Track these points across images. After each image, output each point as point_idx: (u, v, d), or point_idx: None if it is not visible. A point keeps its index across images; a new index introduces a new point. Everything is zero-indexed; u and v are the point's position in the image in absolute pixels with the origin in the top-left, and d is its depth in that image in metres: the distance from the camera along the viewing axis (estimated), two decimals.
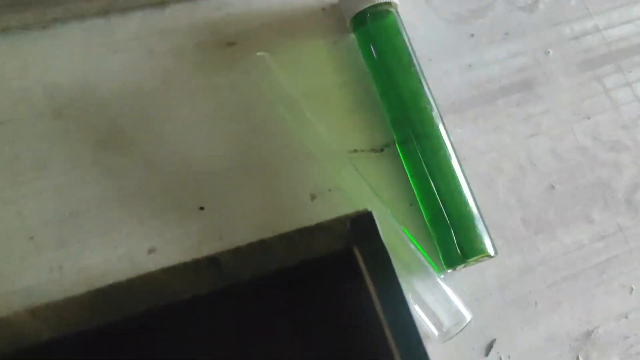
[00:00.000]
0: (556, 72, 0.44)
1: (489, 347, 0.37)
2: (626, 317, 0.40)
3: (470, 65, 0.43)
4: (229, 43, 0.40)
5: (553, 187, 0.41)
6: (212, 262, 0.25)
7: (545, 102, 0.43)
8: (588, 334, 0.39)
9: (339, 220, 0.27)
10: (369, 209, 0.30)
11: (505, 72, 0.44)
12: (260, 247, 0.26)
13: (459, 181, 0.37)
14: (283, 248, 0.26)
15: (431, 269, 0.36)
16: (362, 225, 0.27)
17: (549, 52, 0.45)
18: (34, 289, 0.33)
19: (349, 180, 0.37)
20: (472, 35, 0.44)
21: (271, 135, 0.39)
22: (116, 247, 0.35)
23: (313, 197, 0.38)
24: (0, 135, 0.35)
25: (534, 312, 0.39)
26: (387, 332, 0.25)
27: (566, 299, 0.39)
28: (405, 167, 0.39)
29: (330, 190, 0.38)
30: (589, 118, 0.44)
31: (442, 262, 0.37)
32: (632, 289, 0.40)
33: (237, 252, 0.25)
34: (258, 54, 0.38)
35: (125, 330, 0.24)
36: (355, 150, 0.40)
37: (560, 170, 0.42)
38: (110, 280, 0.33)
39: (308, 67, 0.41)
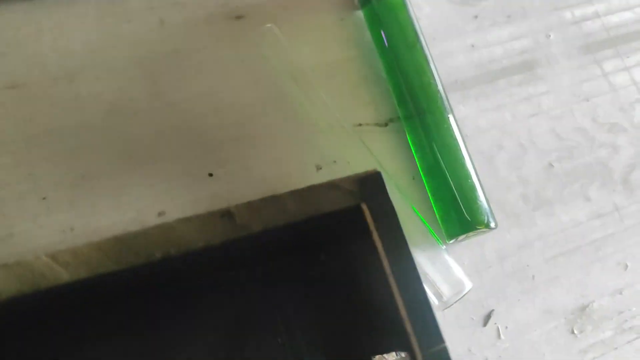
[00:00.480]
0: (557, 55, 0.45)
1: (487, 318, 0.38)
2: (620, 293, 0.41)
3: (473, 46, 0.44)
4: (238, 16, 0.41)
5: (552, 165, 0.42)
6: (225, 214, 0.26)
7: (546, 84, 0.44)
8: (583, 308, 0.40)
9: (349, 179, 0.27)
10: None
11: (507, 54, 0.45)
12: (272, 201, 0.27)
13: (461, 155, 0.38)
14: (294, 203, 0.27)
15: (433, 239, 0.37)
16: (370, 184, 0.28)
17: (550, 36, 0.46)
18: (46, 248, 0.34)
19: (354, 152, 0.38)
20: (476, 16, 0.45)
21: (278, 107, 0.39)
22: (126, 210, 0.35)
23: (318, 168, 0.39)
24: (15, 98, 0.36)
25: (532, 285, 0.40)
26: (393, 286, 0.26)
27: (563, 273, 0.40)
28: (410, 141, 0.40)
29: (335, 161, 0.39)
30: (588, 100, 0.45)
31: (444, 232, 0.38)
32: (626, 266, 0.41)
33: (249, 205, 0.26)
34: (267, 25, 0.39)
35: (142, 275, 0.25)
36: (360, 124, 0.41)
37: (559, 149, 0.43)
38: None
39: (315, 41, 0.42)
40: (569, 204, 0.42)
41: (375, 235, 0.27)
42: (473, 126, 0.42)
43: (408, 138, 0.40)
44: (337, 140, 0.38)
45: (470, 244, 0.39)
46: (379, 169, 0.38)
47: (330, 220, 0.27)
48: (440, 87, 0.39)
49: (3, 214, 0.34)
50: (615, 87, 0.46)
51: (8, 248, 0.33)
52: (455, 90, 0.43)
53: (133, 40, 0.39)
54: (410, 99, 0.39)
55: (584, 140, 0.44)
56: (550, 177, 0.42)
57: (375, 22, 0.41)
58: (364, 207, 0.27)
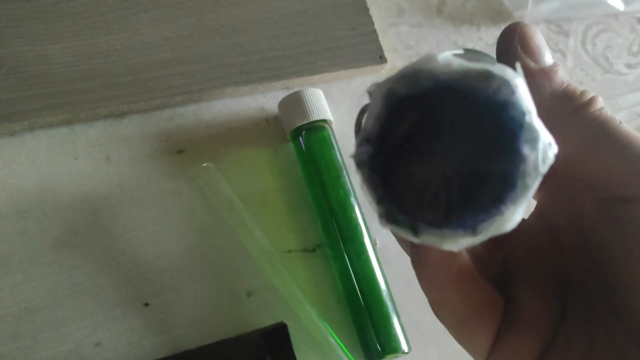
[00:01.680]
0: None
1: None
2: None
3: None
4: (179, 151, 0.45)
5: None
6: None
7: None
8: None
9: (255, 333, 0.31)
10: (289, 311, 0.34)
11: None
12: (184, 358, 0.30)
13: (379, 284, 0.42)
14: (205, 357, 0.30)
15: None
16: (275, 337, 0.31)
17: None
18: None
19: (280, 280, 0.42)
20: None
21: (213, 237, 0.43)
22: (65, 342, 0.38)
23: (249, 295, 0.42)
24: None
25: None
26: None
27: None
28: (334, 268, 0.44)
29: (264, 288, 0.43)
30: None
31: (363, 357, 0.41)
32: None
33: None
34: (204, 165, 0.43)
35: None
36: (290, 250, 0.44)
37: None
38: None
39: (250, 173, 0.46)
40: None
41: None
42: (395, 251, 0.46)
43: (332, 264, 0.44)
44: (266, 268, 0.42)
45: (409, 358, 0.42)
46: (302, 296, 0.41)
47: None
48: (361, 218, 0.43)
49: None
50: None
51: None
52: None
53: (80, 176, 0.43)
54: (333, 229, 0.43)
55: None
56: None
57: (303, 156, 0.45)
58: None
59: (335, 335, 0.41)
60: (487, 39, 0.57)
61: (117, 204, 0.43)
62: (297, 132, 0.45)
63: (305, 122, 0.44)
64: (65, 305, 0.39)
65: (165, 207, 0.43)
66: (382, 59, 0.51)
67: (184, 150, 0.45)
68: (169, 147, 0.45)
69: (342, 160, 0.45)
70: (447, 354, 0.44)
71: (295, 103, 0.45)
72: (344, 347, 0.41)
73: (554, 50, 0.58)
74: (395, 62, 0.53)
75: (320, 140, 0.45)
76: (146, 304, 0.40)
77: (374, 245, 0.45)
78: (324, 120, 0.45)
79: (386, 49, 0.52)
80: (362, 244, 0.43)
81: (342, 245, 0.43)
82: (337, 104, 0.50)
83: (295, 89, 0.47)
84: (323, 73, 0.49)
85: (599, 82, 0.58)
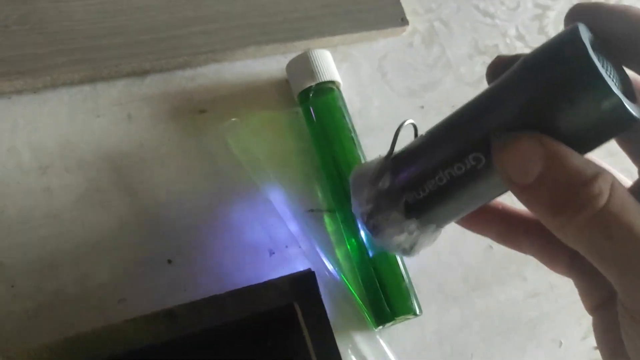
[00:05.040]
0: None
1: None
2: None
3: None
4: (201, 111, 0.45)
5: (491, 247, 0.46)
6: (168, 314, 0.29)
7: None
8: None
9: (284, 279, 0.31)
10: (313, 268, 0.34)
11: None
12: (213, 302, 0.30)
13: None
14: (233, 303, 0.30)
15: (368, 323, 0.40)
16: (303, 284, 0.31)
17: None
18: (12, 333, 0.36)
19: (303, 238, 0.42)
20: (422, 107, 0.49)
21: (235, 195, 0.43)
22: (89, 297, 0.38)
23: (271, 253, 0.42)
24: None
25: None
26: None
27: (499, 352, 0.43)
28: (343, 231, 0.43)
29: (287, 246, 0.42)
30: None
31: (373, 320, 0.41)
32: (561, 343, 0.44)
33: (192, 306, 0.29)
34: (232, 119, 0.43)
35: None
36: (312, 210, 0.44)
37: None
38: (83, 328, 0.37)
39: (271, 133, 0.45)
40: (507, 284, 0.45)
41: (306, 332, 0.30)
42: None
43: (342, 227, 0.43)
44: (290, 225, 0.42)
45: (411, 324, 0.42)
46: (323, 255, 0.41)
47: (266, 319, 0.30)
48: None
49: None
50: None
51: None
52: None
53: (102, 134, 0.42)
54: (342, 191, 0.42)
55: None
56: (489, 259, 0.45)
57: (310, 118, 0.44)
58: (297, 307, 0.30)
59: (357, 296, 0.41)
60: (508, 3, 0.56)
61: (139, 162, 0.42)
62: (304, 95, 0.44)
63: (312, 83, 0.44)
64: (89, 261, 0.39)
65: (187, 166, 0.43)
66: (403, 21, 0.50)
67: (206, 110, 0.45)
68: (190, 106, 0.45)
69: (351, 122, 0.44)
70: (470, 314, 0.43)
71: (302, 65, 0.44)
72: (364, 308, 0.40)
73: None
74: (416, 25, 0.52)
75: (329, 102, 0.44)
76: (169, 261, 0.40)
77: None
78: (332, 82, 0.45)
79: (407, 12, 0.51)
80: None
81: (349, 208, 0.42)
82: (357, 66, 0.50)
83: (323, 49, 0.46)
84: (344, 34, 0.48)
85: None
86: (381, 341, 0.39)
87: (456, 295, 0.44)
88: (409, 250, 0.28)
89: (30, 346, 0.27)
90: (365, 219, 0.28)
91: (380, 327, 0.40)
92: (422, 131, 0.28)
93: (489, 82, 0.26)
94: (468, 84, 0.51)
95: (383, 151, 0.45)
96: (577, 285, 0.28)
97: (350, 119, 0.44)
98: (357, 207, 0.28)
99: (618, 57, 0.23)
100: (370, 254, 0.41)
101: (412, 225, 0.27)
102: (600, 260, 0.21)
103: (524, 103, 0.22)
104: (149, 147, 0.43)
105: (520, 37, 0.55)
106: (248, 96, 0.46)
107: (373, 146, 0.46)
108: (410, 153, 0.27)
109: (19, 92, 0.42)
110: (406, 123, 0.29)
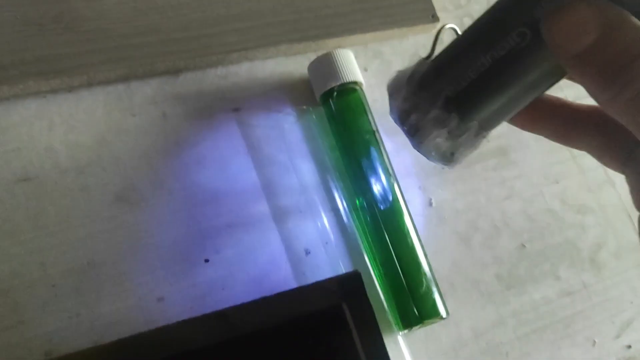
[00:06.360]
0: (529, 140, 0.49)
1: None
2: None
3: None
4: (234, 109, 0.45)
5: (524, 245, 0.46)
6: (220, 316, 0.29)
7: (518, 167, 0.48)
8: None
9: (331, 280, 0.31)
10: (357, 268, 0.34)
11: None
12: (263, 304, 0.30)
13: (414, 247, 0.41)
14: (282, 304, 0.30)
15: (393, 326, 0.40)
16: (350, 284, 0.31)
17: None
18: (53, 334, 0.36)
19: (337, 237, 0.42)
20: None
21: (271, 193, 0.43)
22: (128, 297, 0.38)
23: (307, 252, 0.42)
24: (27, 190, 0.39)
25: None
26: None
27: (534, 349, 0.43)
28: (368, 233, 0.42)
29: (327, 243, 0.42)
30: (557, 182, 0.48)
31: (399, 323, 0.40)
32: (594, 342, 0.44)
33: (243, 307, 0.29)
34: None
35: None
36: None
37: (530, 230, 0.46)
38: (123, 326, 0.37)
39: (305, 132, 0.45)
40: (540, 282, 0.45)
41: (355, 333, 0.30)
42: (451, 209, 0.46)
43: (364, 230, 0.42)
44: (326, 224, 0.42)
45: (447, 323, 0.42)
46: (359, 254, 0.41)
47: (314, 319, 0.30)
48: (395, 181, 0.42)
49: (15, 302, 0.37)
50: (583, 169, 0.49)
51: (18, 335, 0.36)
52: (434, 175, 0.46)
53: (138, 133, 0.42)
54: (367, 192, 0.42)
55: (554, 221, 0.47)
56: (523, 256, 0.45)
57: (334, 118, 0.44)
58: (345, 307, 0.30)
59: (387, 297, 0.41)
60: None
61: (175, 160, 0.42)
62: (327, 95, 0.44)
63: (336, 84, 0.43)
64: (127, 260, 0.39)
65: (223, 164, 0.43)
66: (434, 18, 0.50)
67: (239, 108, 0.45)
68: (224, 105, 0.45)
69: (375, 123, 0.44)
70: (506, 313, 0.44)
71: (325, 65, 0.44)
72: (393, 310, 0.40)
73: None
74: (446, 21, 0.52)
75: (352, 102, 0.44)
76: (206, 260, 0.40)
77: (429, 204, 0.45)
78: (355, 82, 0.44)
79: (437, 9, 0.51)
80: (398, 206, 0.42)
81: (375, 210, 0.42)
82: (388, 63, 0.49)
83: (347, 49, 0.46)
84: (375, 31, 0.48)
85: None
86: (402, 344, 0.39)
87: (491, 292, 0.44)
88: (449, 157, 0.26)
89: (80, 350, 0.27)
90: (403, 117, 0.26)
91: (406, 330, 0.40)
92: None
93: None
94: None
95: (413, 150, 0.46)
96: (630, 182, 0.26)
97: (373, 119, 0.44)
98: (394, 107, 0.26)
99: None
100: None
101: (453, 122, 0.25)
102: None
103: None
104: (184, 145, 0.43)
105: None
106: (281, 94, 0.46)
107: (406, 144, 0.45)
108: (450, 47, 0.25)
109: (54, 91, 0.42)
110: (447, 27, 0.27)
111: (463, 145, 0.26)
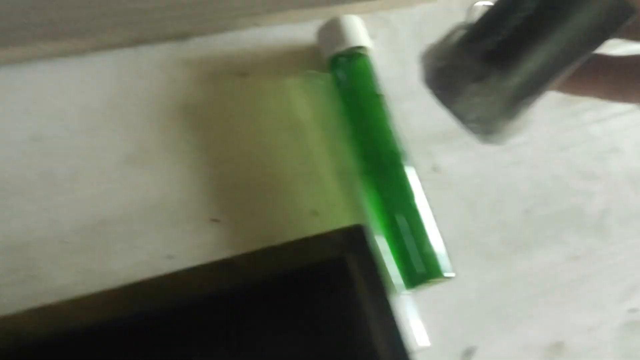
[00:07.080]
0: (537, 107, 0.49)
1: (468, 354, 0.42)
2: (594, 331, 0.44)
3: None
4: (242, 74, 0.45)
5: (530, 211, 0.46)
6: (227, 263, 0.30)
7: (526, 134, 0.48)
8: (559, 345, 0.43)
9: (337, 231, 0.31)
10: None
11: None
12: (270, 252, 0.30)
13: (419, 208, 0.41)
14: (288, 253, 0.30)
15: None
16: (355, 236, 0.31)
17: None
18: (66, 288, 0.37)
19: (344, 200, 0.42)
20: None
21: (278, 156, 0.43)
22: (138, 254, 0.39)
23: (314, 214, 0.42)
24: (38, 150, 0.40)
25: (510, 323, 0.43)
26: (375, 338, 0.29)
27: (539, 312, 0.43)
28: (374, 194, 0.43)
29: (333, 204, 0.43)
30: (564, 149, 0.48)
31: (405, 281, 0.40)
32: (599, 305, 0.45)
33: (250, 255, 0.30)
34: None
35: (153, 319, 0.29)
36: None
37: (537, 196, 0.46)
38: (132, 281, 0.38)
39: (311, 97, 0.45)
40: (546, 247, 0.45)
41: (359, 284, 0.30)
42: (458, 174, 0.46)
43: (372, 193, 0.43)
44: (334, 187, 0.42)
45: (452, 283, 0.42)
46: (364, 215, 0.42)
47: (319, 269, 0.31)
48: (402, 146, 0.42)
49: (28, 258, 0.37)
50: (590, 136, 0.49)
51: (32, 289, 0.37)
52: (442, 141, 0.46)
53: (147, 96, 0.43)
54: (373, 155, 0.42)
55: (560, 187, 0.47)
56: (528, 221, 0.46)
57: (341, 83, 0.44)
58: (349, 258, 0.31)
59: (396, 256, 0.41)
60: None
61: (183, 123, 0.43)
62: (335, 59, 0.44)
63: (343, 48, 0.44)
64: (138, 219, 0.40)
65: (230, 127, 0.43)
66: None
67: (247, 73, 0.45)
68: (231, 70, 0.45)
69: (382, 88, 0.44)
70: (511, 274, 0.44)
71: (333, 29, 0.45)
72: (400, 268, 0.40)
73: None
74: None
75: (360, 66, 0.44)
76: (215, 220, 0.41)
77: (435, 169, 0.45)
78: (363, 47, 0.45)
79: None
80: (404, 169, 0.42)
81: (382, 173, 0.42)
82: (395, 31, 0.50)
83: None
84: None
85: None
86: (407, 303, 0.39)
87: (497, 255, 0.44)
88: (486, 123, 0.23)
89: (95, 293, 0.28)
90: (437, 76, 0.23)
91: (411, 290, 0.40)
92: None
93: None
94: None
95: (422, 115, 0.46)
96: None
97: (380, 85, 0.44)
98: (428, 67, 0.23)
99: None
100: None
101: (493, 77, 0.22)
102: None
103: None
104: (192, 109, 0.43)
105: None
106: (289, 60, 0.46)
107: (413, 111, 0.46)
108: (488, 7, 0.23)
109: (64, 54, 0.42)
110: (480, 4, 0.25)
111: (501, 111, 0.23)
